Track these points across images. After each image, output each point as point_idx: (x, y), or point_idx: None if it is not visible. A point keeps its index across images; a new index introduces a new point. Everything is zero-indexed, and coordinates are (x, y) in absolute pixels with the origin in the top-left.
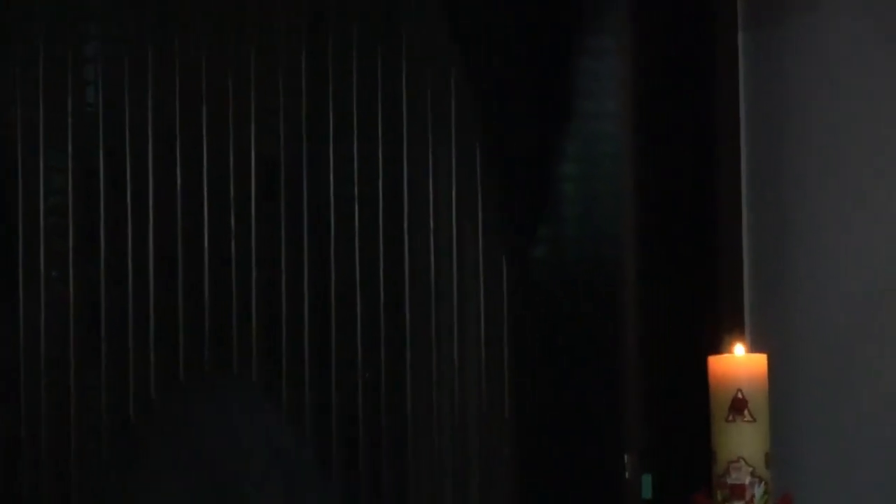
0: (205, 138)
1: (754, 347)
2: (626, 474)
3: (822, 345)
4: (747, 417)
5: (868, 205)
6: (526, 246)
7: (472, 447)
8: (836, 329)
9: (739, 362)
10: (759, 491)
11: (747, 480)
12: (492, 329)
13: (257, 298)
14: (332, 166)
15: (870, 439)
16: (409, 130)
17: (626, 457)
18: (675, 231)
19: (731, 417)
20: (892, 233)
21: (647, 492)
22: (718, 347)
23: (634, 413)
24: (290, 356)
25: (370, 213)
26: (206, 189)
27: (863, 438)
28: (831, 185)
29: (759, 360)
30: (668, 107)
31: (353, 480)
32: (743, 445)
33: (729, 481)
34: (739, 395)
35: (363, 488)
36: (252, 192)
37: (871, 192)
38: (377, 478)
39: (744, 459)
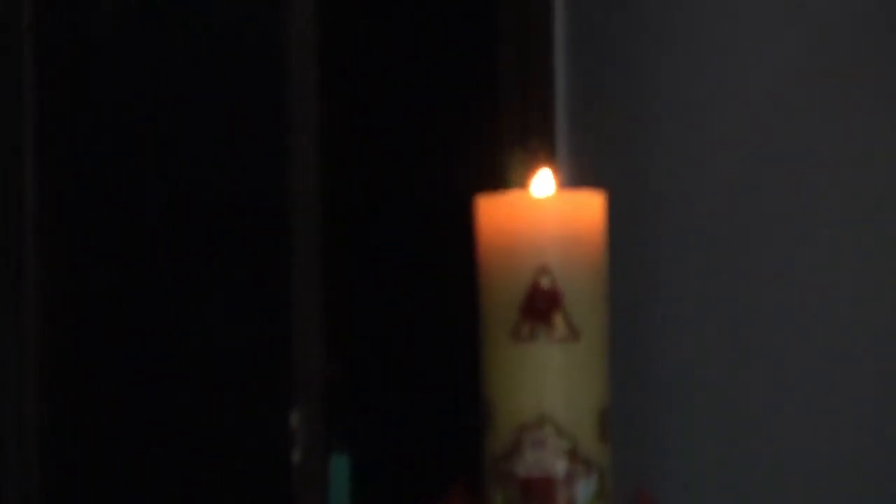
0: None
1: (574, 182)
2: (294, 455)
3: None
4: (560, 330)
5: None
6: None
7: None
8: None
9: (545, 208)
10: (585, 490)
11: (561, 468)
12: None
13: None
14: None
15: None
16: None
17: (292, 415)
18: None
19: (525, 330)
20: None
21: (339, 495)
22: (500, 179)
23: (314, 322)
24: None
25: None
26: None
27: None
28: None
29: (591, 204)
30: None
31: None
32: (552, 393)
33: (522, 471)
34: (543, 283)
35: None
36: None
37: None
38: None
39: (553, 423)
